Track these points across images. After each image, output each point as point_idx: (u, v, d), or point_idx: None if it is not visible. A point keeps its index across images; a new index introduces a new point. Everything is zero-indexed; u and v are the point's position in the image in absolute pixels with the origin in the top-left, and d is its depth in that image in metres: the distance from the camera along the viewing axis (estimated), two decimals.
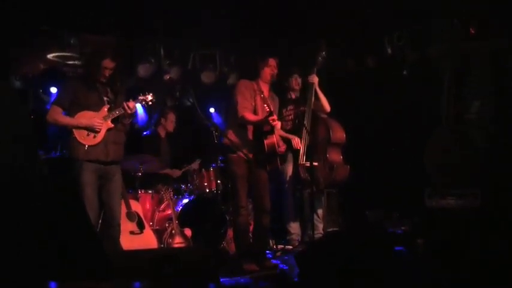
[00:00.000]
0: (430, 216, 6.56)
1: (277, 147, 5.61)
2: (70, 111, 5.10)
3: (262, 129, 5.58)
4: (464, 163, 6.47)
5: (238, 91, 5.70)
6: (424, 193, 6.61)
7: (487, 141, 6.73)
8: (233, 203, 5.88)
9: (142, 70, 7.88)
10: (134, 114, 5.38)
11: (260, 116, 5.59)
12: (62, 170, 6.46)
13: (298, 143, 6.68)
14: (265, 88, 5.83)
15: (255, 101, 5.69)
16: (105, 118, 5.09)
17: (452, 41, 7.25)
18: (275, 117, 5.45)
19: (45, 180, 3.01)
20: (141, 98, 5.34)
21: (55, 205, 2.92)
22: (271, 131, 5.54)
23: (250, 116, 5.61)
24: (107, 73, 5.15)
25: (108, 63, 5.14)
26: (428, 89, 7.59)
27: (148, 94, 5.37)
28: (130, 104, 5.18)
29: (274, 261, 6.12)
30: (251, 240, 5.94)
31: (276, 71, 5.81)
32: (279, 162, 5.87)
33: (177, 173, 7.39)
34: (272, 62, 5.81)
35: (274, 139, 5.56)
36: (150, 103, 5.40)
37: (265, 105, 5.41)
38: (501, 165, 6.47)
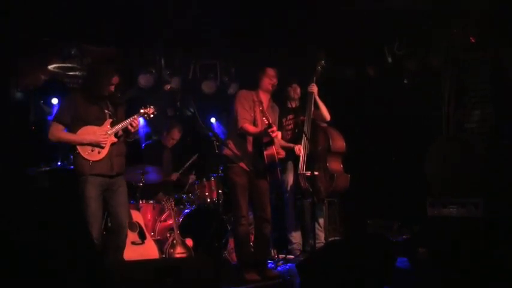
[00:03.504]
0: (431, 225, 6.56)
1: (276, 157, 5.61)
2: (72, 127, 5.05)
3: (262, 140, 5.59)
4: (465, 172, 6.48)
5: (238, 102, 5.71)
6: (425, 202, 6.61)
7: (487, 149, 6.73)
8: (234, 213, 5.87)
9: (143, 80, 7.89)
10: (138, 129, 5.37)
11: (259, 128, 5.60)
12: (63, 181, 6.48)
13: (299, 149, 6.67)
14: (265, 98, 5.82)
15: (254, 112, 5.69)
16: (108, 133, 5.09)
17: (453, 50, 7.27)
18: (274, 128, 5.45)
19: (45, 191, 3.02)
20: (142, 111, 5.33)
21: (56, 217, 2.93)
22: (271, 142, 5.55)
23: (250, 128, 5.62)
24: (112, 89, 5.15)
25: (116, 80, 5.15)
26: (429, 98, 7.61)
27: (150, 107, 5.36)
28: (135, 121, 5.18)
29: (275, 270, 6.11)
30: (252, 249, 5.94)
31: (275, 81, 5.81)
32: (279, 173, 5.87)
33: (174, 176, 7.39)
34: (271, 71, 5.81)
35: (273, 150, 5.56)
36: (152, 115, 5.40)
37: (264, 118, 5.41)
38: (502, 174, 6.47)
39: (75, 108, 5.06)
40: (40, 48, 7.32)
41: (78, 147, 4.99)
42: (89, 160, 4.98)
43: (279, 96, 6.40)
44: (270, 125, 5.37)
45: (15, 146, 6.69)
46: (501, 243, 5.22)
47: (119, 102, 5.34)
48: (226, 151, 5.72)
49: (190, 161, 7.48)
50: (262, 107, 5.61)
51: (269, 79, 5.79)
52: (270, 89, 5.83)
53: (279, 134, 6.11)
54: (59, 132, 5.04)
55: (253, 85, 5.88)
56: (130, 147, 5.55)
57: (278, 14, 7.21)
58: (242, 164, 5.66)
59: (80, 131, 5.02)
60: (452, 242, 5.70)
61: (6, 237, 2.63)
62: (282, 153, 5.83)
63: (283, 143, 6.62)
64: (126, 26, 7.20)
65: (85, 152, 4.99)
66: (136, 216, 6.28)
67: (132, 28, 7.27)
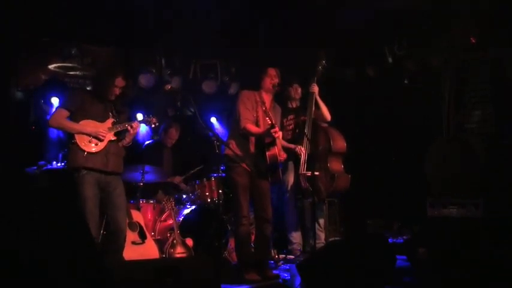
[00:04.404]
0: (431, 225, 6.56)
1: (279, 158, 5.63)
2: (75, 117, 5.09)
3: (264, 140, 5.60)
4: (465, 172, 6.48)
5: (240, 102, 5.71)
6: (425, 202, 6.61)
7: (487, 149, 6.73)
8: (234, 213, 5.88)
9: (144, 80, 7.89)
10: (135, 134, 5.38)
11: (262, 128, 5.60)
12: (63, 181, 6.48)
13: (301, 149, 6.67)
14: (267, 98, 5.83)
15: (256, 112, 5.70)
16: (109, 130, 5.11)
17: (453, 50, 7.27)
18: (277, 129, 5.45)
19: (45, 191, 3.02)
20: (146, 119, 5.42)
21: (55, 217, 2.92)
22: (273, 142, 5.56)
23: (253, 128, 5.62)
24: (117, 91, 5.17)
25: (120, 82, 5.16)
26: (429, 98, 7.61)
27: (154, 117, 5.46)
28: (134, 124, 5.21)
29: (275, 270, 6.11)
30: (253, 250, 5.94)
31: (276, 81, 5.80)
32: (281, 173, 5.87)
33: (177, 179, 7.41)
34: (272, 71, 5.81)
35: (276, 151, 5.57)
36: (153, 126, 5.47)
37: (267, 118, 5.42)
38: (502, 174, 6.47)
39: (82, 100, 5.13)
40: (40, 48, 7.32)
41: (76, 136, 5.01)
42: (84, 151, 5.00)
43: (279, 96, 6.40)
44: (272, 125, 5.38)
45: (15, 145, 6.69)
46: (501, 243, 5.22)
47: (122, 110, 5.39)
48: (228, 151, 5.71)
49: (194, 170, 7.48)
50: (265, 107, 5.62)
51: (270, 79, 5.79)
52: (272, 89, 5.83)
53: (281, 134, 6.12)
54: (61, 118, 5.08)
55: (256, 85, 5.88)
56: (131, 147, 5.56)
57: (278, 13, 7.21)
58: (244, 164, 5.66)
59: (81, 122, 5.07)
60: (452, 242, 5.70)
61: (6, 237, 2.63)
62: (283, 156, 5.85)
63: (285, 143, 6.62)
64: (126, 26, 7.20)
65: (82, 143, 5.01)
66: (137, 216, 6.28)
67: (132, 28, 7.27)
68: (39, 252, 2.69)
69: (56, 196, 3.02)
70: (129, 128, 5.19)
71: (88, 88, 5.92)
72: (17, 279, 2.58)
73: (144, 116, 5.47)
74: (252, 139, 5.71)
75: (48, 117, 5.87)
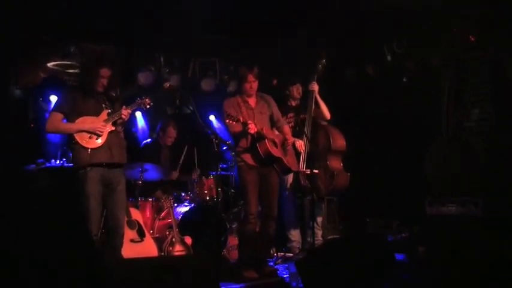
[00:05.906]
0: (430, 223, 6.56)
1: (272, 150, 5.69)
2: (69, 118, 5.09)
3: (253, 137, 5.68)
4: (465, 172, 6.48)
5: (224, 113, 5.77)
6: (424, 201, 6.61)
7: (486, 149, 6.73)
8: (243, 210, 5.98)
9: (143, 78, 7.88)
10: (128, 120, 5.36)
11: (241, 127, 5.67)
12: (63, 179, 6.47)
13: (301, 145, 6.69)
14: (250, 100, 5.89)
15: (241, 113, 5.78)
16: (106, 122, 5.10)
17: (453, 50, 7.27)
18: (250, 125, 5.51)
19: (45, 190, 3.02)
20: (139, 101, 5.36)
21: (55, 217, 2.92)
22: (261, 137, 5.65)
23: (236, 129, 5.70)
24: (104, 82, 5.16)
25: (105, 72, 5.14)
26: (429, 98, 7.60)
27: (146, 97, 5.39)
28: (125, 111, 5.19)
29: (274, 268, 6.12)
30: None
31: (255, 84, 5.85)
32: (285, 162, 5.87)
33: (174, 174, 7.39)
34: (250, 77, 5.83)
35: (266, 144, 5.67)
36: (148, 106, 5.41)
37: (229, 120, 5.48)
38: (502, 174, 6.47)
39: (73, 100, 5.11)
40: (39, 46, 7.29)
41: (76, 136, 4.99)
42: (88, 148, 4.99)
43: (279, 95, 6.41)
44: (244, 123, 5.49)
45: (14, 143, 6.68)
46: (501, 243, 5.22)
47: (117, 98, 5.37)
48: (236, 157, 5.86)
49: (183, 156, 7.47)
50: (249, 106, 5.79)
51: (249, 85, 5.84)
52: (252, 94, 5.88)
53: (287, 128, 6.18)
54: (57, 122, 5.08)
55: (237, 90, 5.96)
56: (130, 146, 5.55)
57: (279, 12, 7.20)
58: (250, 161, 5.74)
59: (78, 120, 5.07)
60: (452, 241, 5.71)
61: (6, 237, 2.63)
62: (290, 140, 5.99)
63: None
64: (126, 24, 7.18)
65: (83, 140, 5.00)
66: (135, 214, 6.28)
67: (132, 26, 7.26)
68: (39, 252, 2.68)
69: (56, 196, 3.02)
70: (123, 116, 5.17)
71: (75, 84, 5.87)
72: (17, 279, 2.58)
73: (136, 100, 5.39)
74: (249, 137, 5.78)
75: (47, 114, 5.85)
